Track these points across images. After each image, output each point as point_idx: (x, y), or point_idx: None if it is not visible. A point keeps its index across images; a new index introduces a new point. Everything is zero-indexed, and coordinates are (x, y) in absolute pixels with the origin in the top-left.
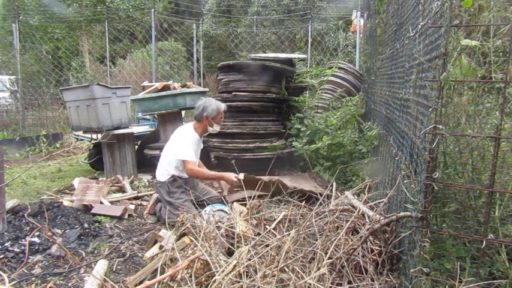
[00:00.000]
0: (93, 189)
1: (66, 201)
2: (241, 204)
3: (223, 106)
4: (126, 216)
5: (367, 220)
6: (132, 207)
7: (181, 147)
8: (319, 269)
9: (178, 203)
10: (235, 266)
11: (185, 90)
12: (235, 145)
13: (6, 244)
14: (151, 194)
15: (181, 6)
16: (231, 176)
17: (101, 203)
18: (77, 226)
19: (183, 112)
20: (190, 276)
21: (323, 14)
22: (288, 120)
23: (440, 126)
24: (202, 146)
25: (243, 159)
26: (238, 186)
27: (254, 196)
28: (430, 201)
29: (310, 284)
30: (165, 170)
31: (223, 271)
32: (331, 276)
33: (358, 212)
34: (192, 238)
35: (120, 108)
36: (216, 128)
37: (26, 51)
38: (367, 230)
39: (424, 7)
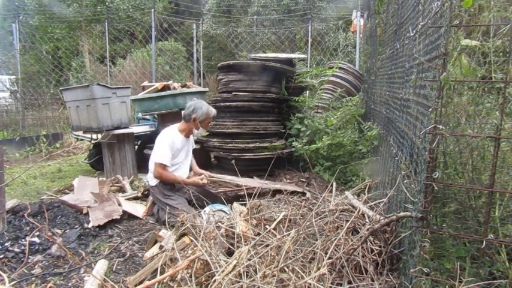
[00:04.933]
0: (90, 187)
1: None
2: (241, 204)
3: (213, 112)
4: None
5: (367, 220)
6: None
7: (157, 151)
8: (319, 269)
9: (176, 203)
10: (235, 266)
11: (185, 90)
12: (235, 145)
13: (6, 244)
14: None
15: (181, 6)
16: (198, 180)
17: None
18: (77, 226)
19: (183, 112)
20: (190, 276)
21: (323, 14)
22: (288, 120)
23: (440, 126)
24: (194, 145)
25: (243, 159)
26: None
27: None
28: (430, 201)
29: (310, 284)
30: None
31: (223, 271)
32: (331, 276)
33: (358, 212)
34: (192, 238)
35: (120, 108)
36: (201, 131)
37: (26, 51)
38: (367, 230)
39: (424, 7)
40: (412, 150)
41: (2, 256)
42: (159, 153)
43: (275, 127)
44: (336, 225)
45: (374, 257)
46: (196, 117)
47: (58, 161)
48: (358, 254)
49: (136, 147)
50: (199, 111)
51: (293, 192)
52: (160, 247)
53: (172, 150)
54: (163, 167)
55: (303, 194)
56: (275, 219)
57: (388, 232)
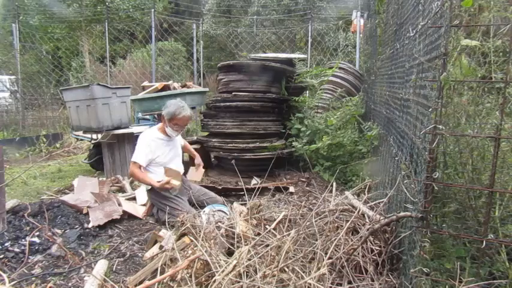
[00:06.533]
0: (90, 187)
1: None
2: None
3: (182, 114)
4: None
5: (367, 220)
6: None
7: (135, 151)
8: (319, 269)
9: (176, 204)
10: (235, 266)
11: (185, 90)
12: (235, 145)
13: (6, 244)
14: None
15: (181, 6)
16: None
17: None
18: (77, 226)
19: None
20: (190, 276)
21: (323, 14)
22: (288, 120)
23: (440, 126)
24: (177, 144)
25: (243, 159)
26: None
27: None
28: (430, 201)
29: (310, 284)
30: None
31: (223, 271)
32: (331, 276)
33: (358, 212)
34: (192, 238)
35: (120, 108)
36: (170, 131)
37: (26, 51)
38: (367, 230)
39: (424, 7)
40: (412, 150)
41: (2, 256)
42: (135, 153)
43: (275, 127)
44: (336, 225)
45: (374, 257)
46: (163, 115)
47: (58, 161)
48: (358, 254)
49: None
50: (167, 109)
51: (277, 189)
52: (160, 247)
53: (150, 149)
54: (138, 166)
55: (286, 188)
56: (275, 219)
57: (388, 232)
